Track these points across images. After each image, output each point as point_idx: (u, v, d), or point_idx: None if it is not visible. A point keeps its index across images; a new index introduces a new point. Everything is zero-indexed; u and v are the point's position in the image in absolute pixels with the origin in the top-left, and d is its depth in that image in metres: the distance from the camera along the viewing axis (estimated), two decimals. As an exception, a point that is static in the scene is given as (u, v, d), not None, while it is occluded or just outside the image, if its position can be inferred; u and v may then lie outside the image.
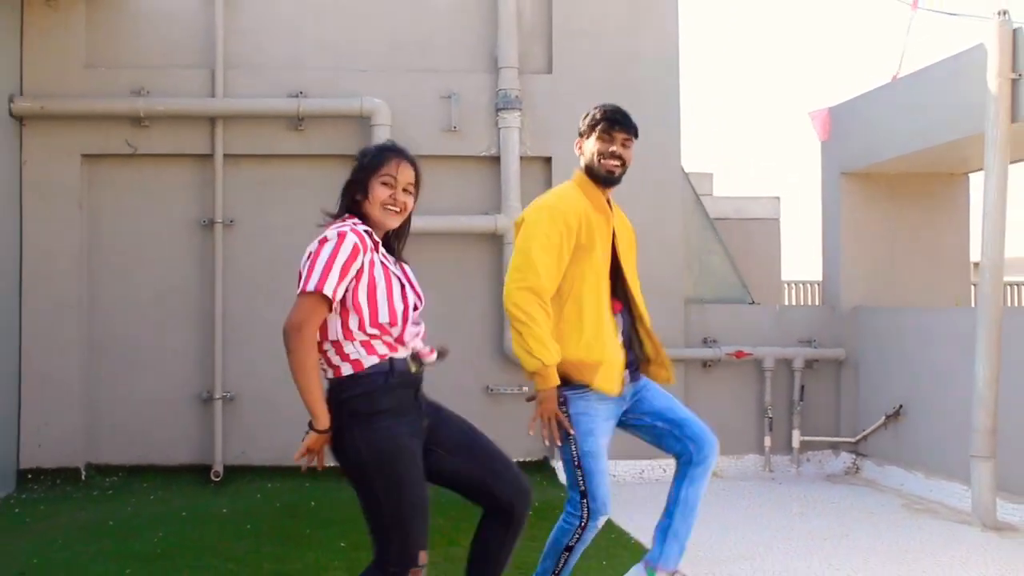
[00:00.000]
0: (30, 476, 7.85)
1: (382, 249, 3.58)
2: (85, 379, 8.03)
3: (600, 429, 4.21)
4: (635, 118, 8.05)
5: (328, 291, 3.36)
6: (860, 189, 8.94)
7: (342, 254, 3.40)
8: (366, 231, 3.51)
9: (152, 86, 8.02)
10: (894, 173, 8.84)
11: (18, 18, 7.89)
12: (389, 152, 3.65)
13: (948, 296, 8.92)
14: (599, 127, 4.25)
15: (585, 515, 4.20)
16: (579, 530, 4.22)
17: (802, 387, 8.67)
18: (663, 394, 4.42)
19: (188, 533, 6.36)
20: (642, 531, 6.36)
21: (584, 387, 4.16)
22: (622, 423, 4.39)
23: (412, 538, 3.37)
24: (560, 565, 4.28)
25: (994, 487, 6.65)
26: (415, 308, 3.61)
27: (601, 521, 4.23)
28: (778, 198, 12.21)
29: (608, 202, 4.34)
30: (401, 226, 3.69)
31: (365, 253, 3.43)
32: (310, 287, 3.37)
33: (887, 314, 8.45)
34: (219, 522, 6.66)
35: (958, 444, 7.14)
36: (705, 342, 8.64)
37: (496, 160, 8.26)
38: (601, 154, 4.25)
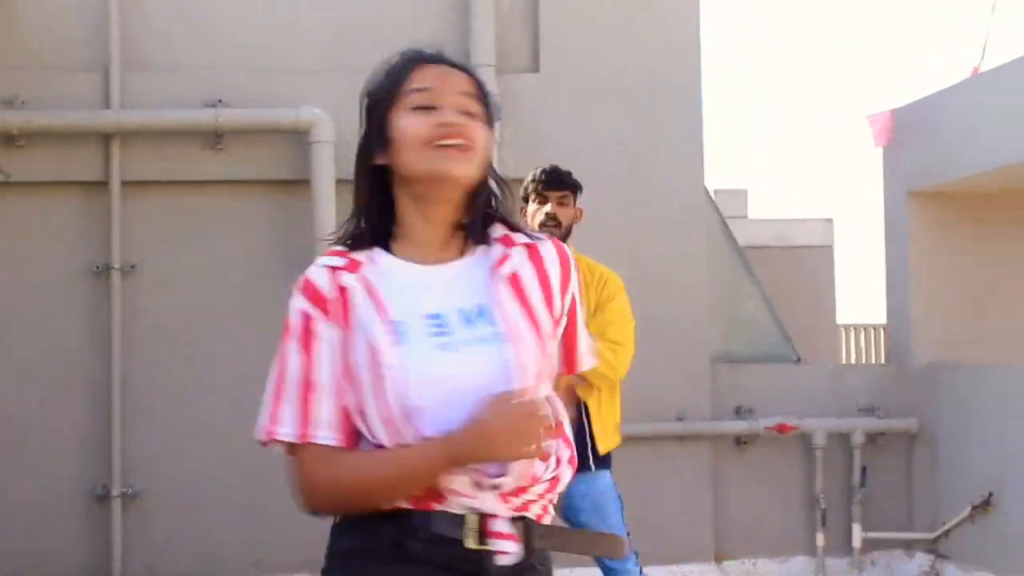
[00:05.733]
0: None
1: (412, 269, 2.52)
2: (-57, 471, 7.85)
3: None
4: (647, 127, 8.10)
5: (281, 433, 2.46)
6: (933, 212, 8.86)
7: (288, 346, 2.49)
8: (337, 260, 2.51)
9: (28, 94, 7.87)
10: (977, 192, 8.73)
11: None
12: (410, 61, 2.57)
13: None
14: (532, 190, 5.27)
15: None
16: None
17: (863, 469, 8.54)
18: (588, 511, 5.22)
19: None
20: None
21: None
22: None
23: None
24: None
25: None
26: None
27: None
28: (831, 220, 12.13)
29: None
30: (476, 190, 2.55)
31: (322, 313, 2.46)
32: (257, 431, 2.51)
33: (971, 373, 8.32)
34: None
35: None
36: (738, 412, 8.54)
37: None
38: (533, 218, 5.25)
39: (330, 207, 7.74)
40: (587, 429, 5.19)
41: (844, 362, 12.80)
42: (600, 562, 5.18)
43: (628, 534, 5.15)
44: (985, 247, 8.88)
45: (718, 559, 8.38)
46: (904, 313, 8.88)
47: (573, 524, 5.15)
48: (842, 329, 12.92)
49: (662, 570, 8.18)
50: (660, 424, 8.19)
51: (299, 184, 7.88)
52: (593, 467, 5.20)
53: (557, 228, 5.17)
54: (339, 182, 7.77)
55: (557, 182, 5.24)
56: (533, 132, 8.15)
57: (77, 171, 7.98)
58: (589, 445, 5.20)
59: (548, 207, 5.21)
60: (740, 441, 8.48)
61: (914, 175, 8.76)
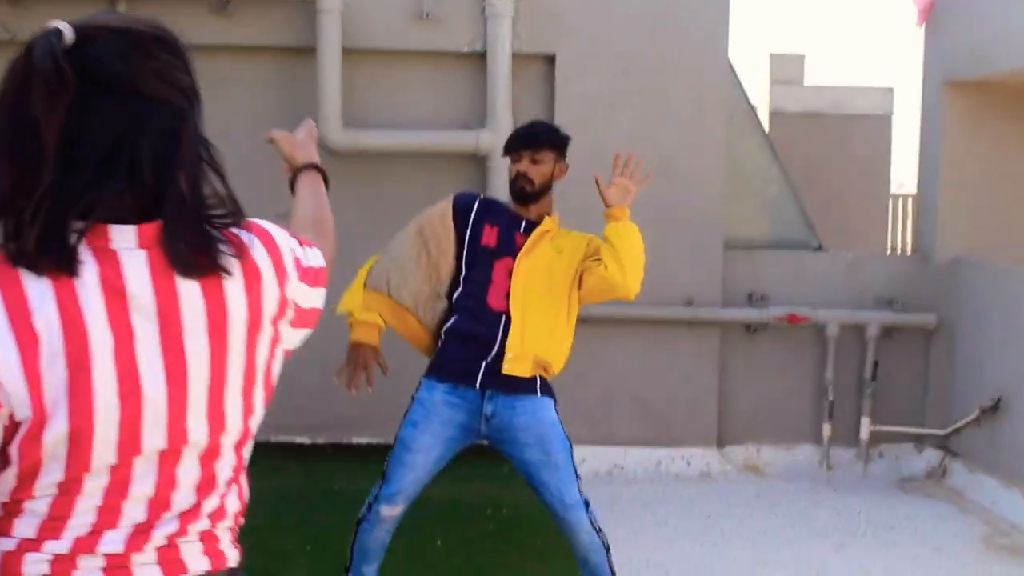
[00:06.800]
0: None
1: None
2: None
3: (427, 423, 5.01)
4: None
5: None
6: (970, 104, 8.51)
7: None
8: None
9: (37, -50, 7.73)
10: (1018, 86, 8.35)
11: None
12: None
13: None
14: (504, 148, 5.28)
15: (375, 494, 5.06)
16: (368, 505, 5.08)
17: (876, 362, 8.40)
18: (532, 445, 5.05)
19: None
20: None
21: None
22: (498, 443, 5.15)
23: None
24: (352, 537, 5.13)
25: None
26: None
27: (386, 511, 5.02)
28: (891, 89, 11.71)
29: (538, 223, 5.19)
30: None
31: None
32: None
33: (996, 273, 8.10)
34: None
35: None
36: (751, 299, 8.39)
37: (482, 58, 7.97)
38: (510, 175, 5.21)
39: (335, 76, 7.68)
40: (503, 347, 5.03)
41: (893, 233, 12.50)
42: (548, 506, 5.10)
43: (578, 477, 5.06)
44: (1021, 143, 8.53)
45: (721, 444, 8.36)
46: (932, 206, 8.63)
47: (518, 461, 5.08)
48: (901, 199, 12.55)
49: (664, 453, 8.25)
50: (668, 308, 8.09)
51: (306, 52, 7.78)
52: (528, 388, 5.04)
53: (529, 186, 5.14)
54: (346, 51, 7.69)
55: (526, 140, 5.18)
56: (547, 8, 7.97)
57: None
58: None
59: (520, 167, 5.14)
60: (751, 328, 8.35)
61: (951, 64, 8.41)
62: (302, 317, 2.20)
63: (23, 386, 1.84)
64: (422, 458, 5.01)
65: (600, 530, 5.07)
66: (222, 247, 1.99)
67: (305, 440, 8.21)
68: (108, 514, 1.98)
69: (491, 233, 5.12)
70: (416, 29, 7.88)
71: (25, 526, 1.96)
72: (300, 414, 7.94)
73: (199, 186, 1.98)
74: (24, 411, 1.85)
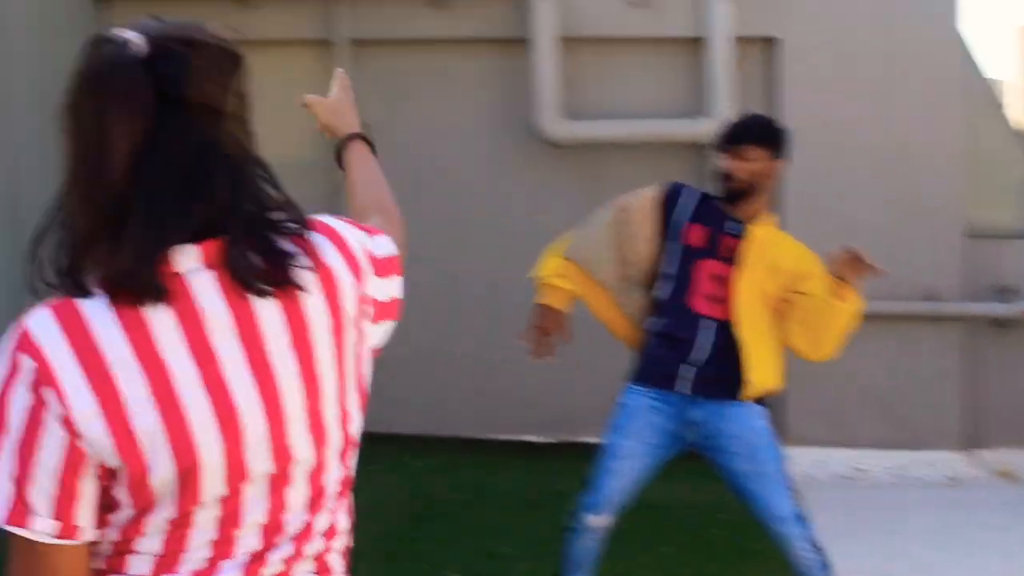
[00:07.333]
0: None
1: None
2: None
3: (632, 429, 4.88)
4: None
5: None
6: None
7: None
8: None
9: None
10: None
11: None
12: None
13: None
14: (716, 148, 4.96)
15: (582, 503, 4.95)
16: (575, 514, 4.95)
17: None
18: (741, 454, 4.82)
19: None
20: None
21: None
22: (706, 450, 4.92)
23: None
24: (564, 547, 5.01)
25: None
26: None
27: (592, 520, 4.89)
28: None
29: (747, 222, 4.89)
30: None
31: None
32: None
33: None
34: None
35: None
36: (999, 292, 7.93)
37: (700, 43, 7.75)
38: (718, 171, 4.89)
39: (551, 66, 7.61)
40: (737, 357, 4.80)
41: None
42: (759, 518, 4.88)
43: (791, 491, 4.84)
44: None
45: (969, 448, 7.95)
46: None
47: (727, 471, 4.86)
48: None
49: (907, 456, 7.93)
50: (907, 303, 7.78)
51: (522, 43, 7.70)
52: (739, 397, 4.79)
53: (734, 184, 4.82)
54: (561, 40, 7.61)
55: (731, 136, 4.85)
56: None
57: (301, 29, 7.99)
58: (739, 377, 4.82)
59: (724, 162, 4.82)
60: (1000, 323, 7.94)
61: None
62: (382, 311, 2.13)
63: (107, 436, 1.77)
64: (628, 465, 4.90)
65: (818, 546, 4.79)
66: (293, 257, 1.89)
67: (534, 438, 8.13)
68: (223, 545, 1.94)
69: (698, 232, 4.88)
70: (632, 15, 7.74)
71: (139, 563, 1.91)
72: (529, 411, 7.92)
73: (260, 197, 1.89)
74: (114, 460, 1.79)
